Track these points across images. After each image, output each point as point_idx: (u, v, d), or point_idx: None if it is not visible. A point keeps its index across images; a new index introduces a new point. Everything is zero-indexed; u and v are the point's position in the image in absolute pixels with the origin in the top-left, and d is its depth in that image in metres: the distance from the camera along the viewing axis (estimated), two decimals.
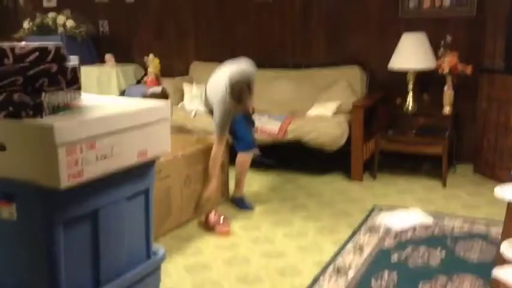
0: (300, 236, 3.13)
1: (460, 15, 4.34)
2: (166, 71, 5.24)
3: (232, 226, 3.25)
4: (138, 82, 5.42)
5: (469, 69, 4.04)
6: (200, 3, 5.36)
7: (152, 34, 5.66)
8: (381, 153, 4.17)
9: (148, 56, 5.18)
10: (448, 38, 4.13)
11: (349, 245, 2.94)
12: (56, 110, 1.68)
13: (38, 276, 1.63)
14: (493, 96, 3.97)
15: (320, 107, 4.34)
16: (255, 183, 4.09)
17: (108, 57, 5.58)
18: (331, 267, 2.68)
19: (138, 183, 1.88)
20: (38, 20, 5.66)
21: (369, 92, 4.61)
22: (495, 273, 1.94)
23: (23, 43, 1.71)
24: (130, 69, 5.58)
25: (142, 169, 1.88)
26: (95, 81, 5.33)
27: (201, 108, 4.01)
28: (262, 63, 4.86)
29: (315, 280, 2.56)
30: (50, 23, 5.61)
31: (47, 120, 1.58)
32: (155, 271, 2.00)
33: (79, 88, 1.79)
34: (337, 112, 4.24)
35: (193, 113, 4.45)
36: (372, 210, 3.46)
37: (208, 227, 3.22)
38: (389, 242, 2.97)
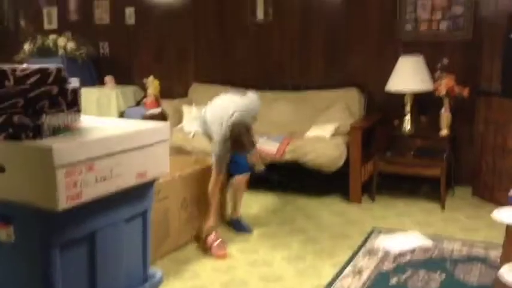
0: (298, 259, 3.11)
1: (456, 38, 4.39)
2: (166, 93, 5.27)
3: (230, 249, 3.23)
4: (138, 104, 5.45)
5: (466, 92, 4.07)
6: (200, 25, 5.43)
7: (152, 56, 5.71)
8: (379, 174, 4.17)
9: (148, 77, 5.22)
10: (445, 61, 4.17)
11: (348, 269, 2.92)
12: (56, 131, 1.69)
13: None
14: (490, 118, 4.00)
15: (318, 129, 4.36)
16: (253, 205, 4.08)
17: (108, 79, 5.62)
18: None
19: (137, 205, 1.88)
20: (38, 42, 5.72)
21: (367, 113, 4.63)
22: None
23: (24, 65, 1.73)
24: (130, 90, 5.61)
25: (141, 190, 1.88)
26: (95, 102, 5.36)
27: (200, 129, 4.01)
28: (261, 84, 4.92)
29: None
30: (51, 45, 5.66)
31: (46, 141, 1.59)
32: None
33: (79, 110, 1.80)
34: (335, 134, 4.25)
35: (192, 134, 4.46)
36: (370, 233, 3.45)
37: (206, 249, 3.20)
38: (388, 265, 2.95)
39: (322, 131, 4.31)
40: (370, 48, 4.71)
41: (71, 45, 5.60)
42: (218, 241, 3.20)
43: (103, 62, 5.93)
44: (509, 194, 2.67)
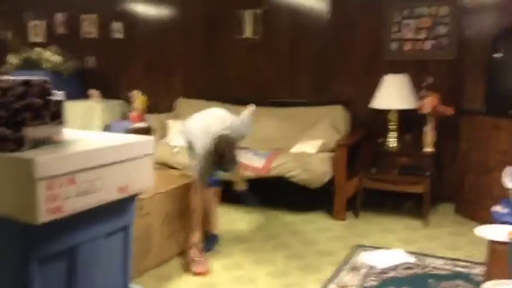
0: (283, 275, 3.09)
1: (440, 57, 4.47)
2: (153, 108, 5.27)
3: (213, 265, 3.20)
4: (123, 118, 5.43)
5: (449, 111, 4.13)
6: (189, 41, 5.45)
7: (140, 70, 5.72)
8: (363, 191, 4.19)
9: (133, 92, 5.21)
10: (430, 80, 4.24)
11: (332, 286, 2.91)
12: (38, 144, 1.67)
13: None
14: (473, 137, 4.05)
15: (304, 145, 4.38)
16: (237, 220, 4.06)
17: (93, 92, 5.60)
18: None
19: (118, 220, 1.86)
20: (24, 55, 5.69)
21: (352, 130, 4.67)
22: None
23: (8, 77, 1.72)
24: (116, 105, 5.60)
25: (123, 205, 1.86)
26: (79, 116, 5.33)
27: (182, 139, 3.97)
28: (248, 100, 4.92)
29: None
30: (36, 57, 5.64)
31: (27, 154, 1.57)
32: None
33: (62, 122, 1.79)
34: (320, 150, 4.27)
35: (176, 149, 4.44)
36: (354, 249, 3.45)
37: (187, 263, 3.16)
38: (372, 282, 2.94)
39: (308, 147, 4.33)
40: (356, 66, 4.77)
41: (56, 58, 5.58)
42: (199, 258, 3.15)
43: (90, 76, 5.92)
44: (491, 210, 2.70)
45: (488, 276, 2.45)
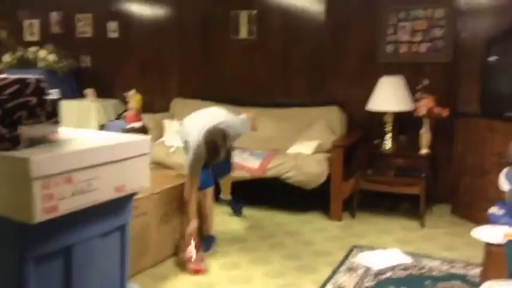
0: (280, 275, 3.08)
1: (436, 60, 4.47)
2: (148, 107, 5.25)
3: (210, 264, 3.19)
4: (119, 117, 5.40)
5: (445, 113, 4.14)
6: (184, 42, 5.44)
7: (135, 70, 5.69)
8: (360, 191, 4.19)
9: (129, 91, 5.19)
10: (425, 82, 4.24)
11: (329, 286, 2.90)
12: (33, 143, 1.66)
13: None
14: (469, 139, 4.06)
15: (300, 146, 4.37)
16: (234, 220, 4.05)
17: (89, 91, 5.58)
18: None
19: (114, 219, 1.85)
20: (19, 54, 5.66)
21: (349, 131, 4.67)
22: None
23: (3, 75, 1.70)
24: (111, 104, 5.57)
25: (119, 204, 1.85)
26: (75, 115, 5.30)
27: (181, 144, 3.98)
28: (244, 101, 4.94)
29: None
30: (31, 57, 5.60)
31: (23, 153, 1.55)
32: None
33: (58, 121, 1.77)
34: (317, 151, 4.27)
35: (172, 149, 4.43)
36: (351, 250, 3.44)
37: (184, 261, 3.14)
38: (368, 282, 2.94)
39: (304, 148, 4.32)
40: (352, 68, 4.77)
41: (51, 57, 5.55)
42: (196, 255, 3.13)
43: (85, 75, 5.89)
44: (487, 212, 2.70)
45: (484, 277, 2.45)
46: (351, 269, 3.13)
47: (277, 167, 4.09)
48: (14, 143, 1.60)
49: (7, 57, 5.66)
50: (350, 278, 3.00)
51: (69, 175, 1.59)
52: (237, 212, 4.12)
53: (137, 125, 4.60)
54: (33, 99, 1.68)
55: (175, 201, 3.35)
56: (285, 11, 4.96)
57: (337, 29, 4.80)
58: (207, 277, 3.05)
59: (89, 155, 1.67)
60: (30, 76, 1.71)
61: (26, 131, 1.64)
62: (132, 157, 1.84)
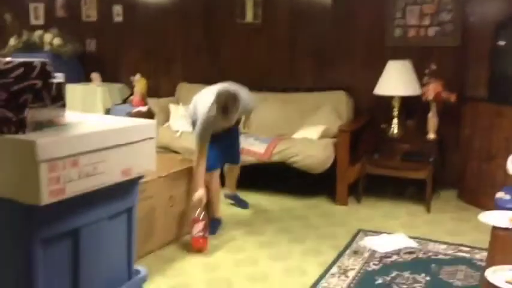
0: (285, 258, 3.10)
1: (444, 44, 4.42)
2: (153, 92, 5.24)
3: (216, 247, 3.21)
4: (124, 101, 5.40)
5: (453, 97, 4.10)
6: (189, 25, 5.40)
7: (140, 54, 5.67)
8: (366, 176, 4.18)
9: (135, 75, 5.18)
10: (433, 66, 4.19)
11: (334, 269, 2.92)
12: (39, 126, 1.65)
13: None
14: (476, 124, 4.03)
15: (306, 130, 4.36)
16: None
17: (94, 75, 5.57)
18: None
19: (121, 202, 1.85)
20: (24, 37, 5.64)
21: (355, 116, 4.65)
22: None
23: (8, 58, 1.69)
24: (117, 88, 5.57)
25: (126, 187, 1.85)
26: (80, 99, 5.31)
27: (187, 128, 3.97)
28: (249, 86, 4.88)
29: None
30: (37, 40, 5.59)
31: (29, 136, 1.55)
32: None
33: (64, 105, 1.76)
34: (323, 136, 4.25)
35: (178, 133, 4.43)
36: (356, 234, 3.45)
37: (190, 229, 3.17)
38: (373, 266, 2.95)
39: (310, 132, 4.31)
40: (359, 52, 4.72)
41: (57, 41, 5.54)
42: (202, 232, 3.14)
43: (90, 59, 5.88)
44: (495, 197, 2.69)
45: (491, 261, 2.45)
46: (356, 253, 3.14)
47: (283, 152, 4.08)
48: (21, 126, 1.60)
49: (12, 41, 5.65)
50: (355, 262, 3.01)
51: (75, 158, 1.59)
52: (242, 205, 4.04)
53: (143, 109, 4.59)
54: (39, 83, 1.68)
55: (181, 185, 3.37)
56: None
57: (344, 12, 4.74)
58: (213, 259, 3.07)
59: (95, 138, 1.67)
60: (35, 59, 1.71)
61: (32, 114, 1.64)
62: (138, 141, 1.83)
